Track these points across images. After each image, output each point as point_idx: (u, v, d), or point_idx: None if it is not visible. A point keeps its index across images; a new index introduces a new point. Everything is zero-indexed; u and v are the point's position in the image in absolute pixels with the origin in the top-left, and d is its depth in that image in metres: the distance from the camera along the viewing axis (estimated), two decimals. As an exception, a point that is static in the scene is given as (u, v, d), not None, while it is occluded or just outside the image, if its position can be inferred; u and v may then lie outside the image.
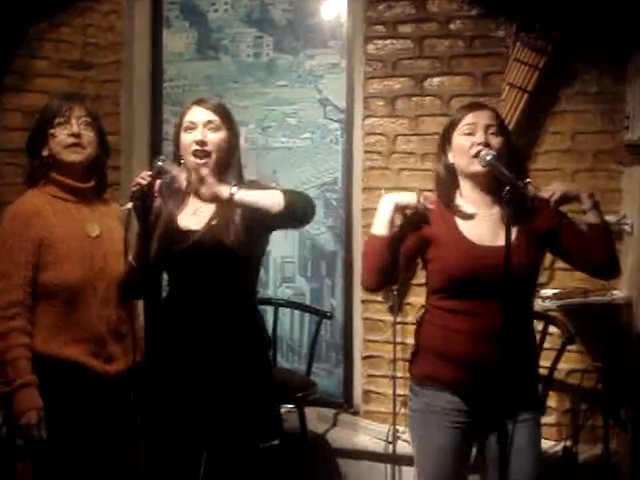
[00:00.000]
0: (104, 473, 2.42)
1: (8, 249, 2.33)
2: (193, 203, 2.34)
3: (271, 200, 2.13)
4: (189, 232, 2.27)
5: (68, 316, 2.34)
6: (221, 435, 2.26)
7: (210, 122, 2.30)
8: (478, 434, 2.29)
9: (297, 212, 2.20)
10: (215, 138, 2.29)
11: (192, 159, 2.28)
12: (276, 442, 2.33)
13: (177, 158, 2.33)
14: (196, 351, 2.27)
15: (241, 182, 2.29)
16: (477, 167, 2.22)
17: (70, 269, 2.33)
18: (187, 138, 2.30)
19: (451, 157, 2.31)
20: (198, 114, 2.31)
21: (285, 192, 2.17)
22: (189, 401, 2.25)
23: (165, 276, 2.44)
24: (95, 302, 2.37)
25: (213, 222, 2.27)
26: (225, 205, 2.22)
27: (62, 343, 2.33)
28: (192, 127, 2.30)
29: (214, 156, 2.28)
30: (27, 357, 2.29)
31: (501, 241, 2.16)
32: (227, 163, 2.32)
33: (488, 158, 2.17)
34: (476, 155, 2.22)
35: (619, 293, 3.16)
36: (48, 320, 2.34)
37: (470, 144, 2.23)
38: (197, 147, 2.27)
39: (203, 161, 2.27)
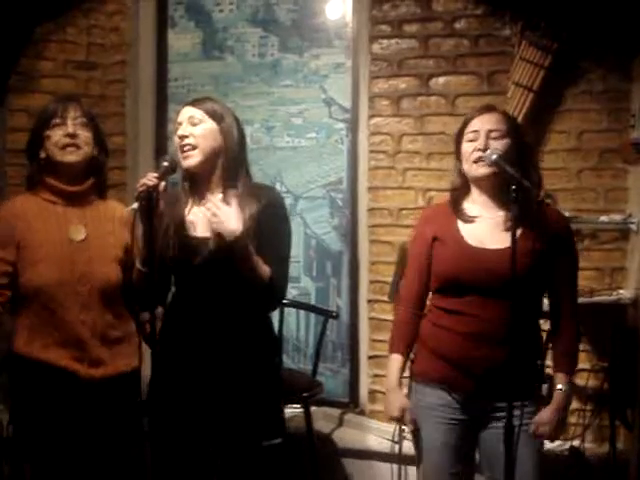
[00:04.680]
0: (101, 476, 2.41)
1: None
2: (193, 204, 2.32)
3: (263, 273, 2.20)
4: (203, 239, 2.24)
5: (48, 319, 2.32)
6: (226, 434, 2.26)
7: (192, 117, 2.28)
8: (476, 431, 2.30)
9: (273, 299, 2.32)
10: (197, 130, 2.26)
11: (180, 156, 2.27)
12: (278, 440, 2.34)
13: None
14: (207, 353, 2.26)
15: (241, 178, 2.29)
16: (478, 172, 2.25)
17: (45, 272, 2.31)
18: (175, 137, 2.30)
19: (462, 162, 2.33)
20: (183, 113, 2.31)
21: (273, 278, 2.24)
22: (198, 402, 2.25)
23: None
24: (76, 306, 2.34)
25: None
26: (236, 209, 2.21)
27: (43, 345, 2.33)
28: (178, 126, 2.30)
29: (200, 147, 2.25)
30: None
31: (499, 244, 2.22)
32: (217, 154, 2.27)
33: (493, 157, 2.19)
34: (476, 161, 2.24)
35: (625, 292, 3.15)
36: (29, 322, 2.34)
37: (472, 150, 2.26)
38: (181, 142, 2.27)
39: (189, 154, 2.25)
